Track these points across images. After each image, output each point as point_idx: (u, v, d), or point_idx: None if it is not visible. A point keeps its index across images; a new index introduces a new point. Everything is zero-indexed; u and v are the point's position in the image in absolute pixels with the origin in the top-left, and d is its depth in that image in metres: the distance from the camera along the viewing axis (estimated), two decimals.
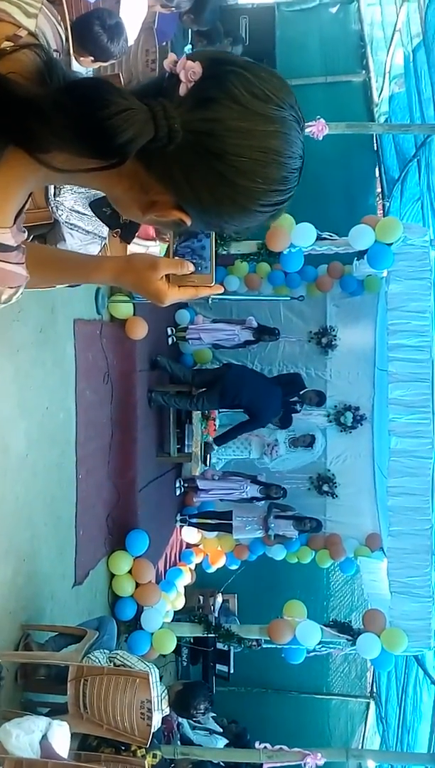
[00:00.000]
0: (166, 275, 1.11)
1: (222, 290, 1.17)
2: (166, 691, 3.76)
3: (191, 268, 1.09)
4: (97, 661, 3.85)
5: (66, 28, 2.65)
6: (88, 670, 3.78)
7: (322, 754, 4.54)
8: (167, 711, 3.77)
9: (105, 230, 2.72)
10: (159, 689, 3.67)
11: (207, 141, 0.84)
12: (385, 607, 5.92)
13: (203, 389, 6.86)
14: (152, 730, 3.64)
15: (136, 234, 2.37)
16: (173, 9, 3.66)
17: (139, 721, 3.65)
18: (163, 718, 4.49)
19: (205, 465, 7.40)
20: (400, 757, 5.85)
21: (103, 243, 2.91)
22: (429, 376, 5.80)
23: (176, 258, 1.11)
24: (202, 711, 3.95)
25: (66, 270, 1.23)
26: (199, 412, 7.04)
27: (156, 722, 3.63)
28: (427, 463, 5.77)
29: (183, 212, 0.92)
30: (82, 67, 2.93)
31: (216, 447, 7.40)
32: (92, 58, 2.89)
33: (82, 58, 2.89)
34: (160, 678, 7.21)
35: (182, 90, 0.85)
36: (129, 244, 2.82)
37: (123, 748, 3.75)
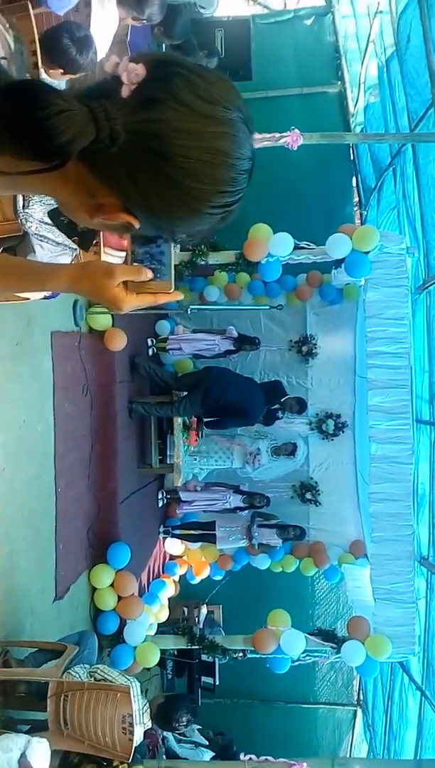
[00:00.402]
0: (124, 282, 1.10)
1: (181, 296, 1.17)
2: (147, 705, 3.72)
3: (150, 274, 1.08)
4: (77, 676, 3.80)
5: (35, 41, 2.65)
6: (68, 686, 3.74)
7: (308, 763, 4.51)
8: (149, 725, 3.73)
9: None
10: (140, 703, 3.63)
11: (152, 142, 0.84)
12: (369, 614, 5.92)
13: (185, 393, 6.85)
14: (134, 745, 3.60)
15: (105, 244, 2.36)
16: (145, 21, 3.68)
17: (121, 736, 3.61)
18: (147, 732, 4.44)
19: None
20: (385, 765, 5.83)
21: (75, 254, 2.90)
22: (408, 382, 5.83)
23: (134, 264, 1.10)
24: (185, 723, 3.91)
25: (23, 278, 1.22)
26: (180, 422, 7.01)
27: (138, 736, 3.59)
28: (408, 468, 5.79)
29: (131, 215, 0.92)
30: (52, 80, 2.93)
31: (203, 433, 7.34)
32: (61, 71, 2.89)
33: (51, 71, 2.89)
34: (146, 691, 7.18)
35: (124, 92, 0.85)
36: (86, 251, 2.81)
37: (105, 763, 3.71)
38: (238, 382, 6.94)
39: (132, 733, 3.55)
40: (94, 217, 0.94)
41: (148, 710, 3.69)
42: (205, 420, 7.23)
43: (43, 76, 2.83)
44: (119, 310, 1.10)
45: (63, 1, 2.70)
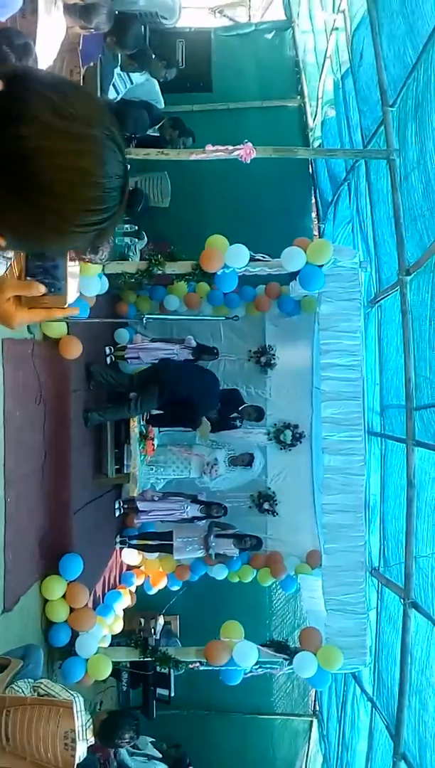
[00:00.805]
0: (17, 296, 1.08)
1: (77, 312, 1.15)
2: (90, 721, 3.67)
3: (42, 289, 1.06)
4: (20, 690, 3.74)
5: None
6: (10, 701, 3.67)
7: None
8: (92, 741, 3.68)
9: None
10: (84, 718, 3.58)
11: (9, 162, 0.81)
12: (322, 625, 5.94)
13: (140, 391, 6.83)
14: (76, 761, 3.55)
15: None
16: (93, 30, 3.67)
17: (63, 752, 3.56)
18: (98, 746, 4.38)
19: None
20: None
21: (9, 262, 2.86)
22: (360, 394, 5.90)
23: (27, 279, 1.08)
24: (128, 740, 3.86)
25: None
26: (137, 432, 6.99)
27: (80, 752, 3.54)
28: (360, 480, 5.85)
29: None
30: None
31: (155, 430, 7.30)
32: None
33: None
34: (100, 703, 7.09)
35: None
36: None
37: None
38: (192, 374, 7.01)
39: (74, 749, 3.50)
40: None
41: (91, 726, 3.64)
42: (163, 414, 7.23)
43: None
44: (9, 327, 1.07)
45: (4, 8, 2.68)
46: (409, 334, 4.75)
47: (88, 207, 0.87)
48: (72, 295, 1.13)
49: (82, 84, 4.18)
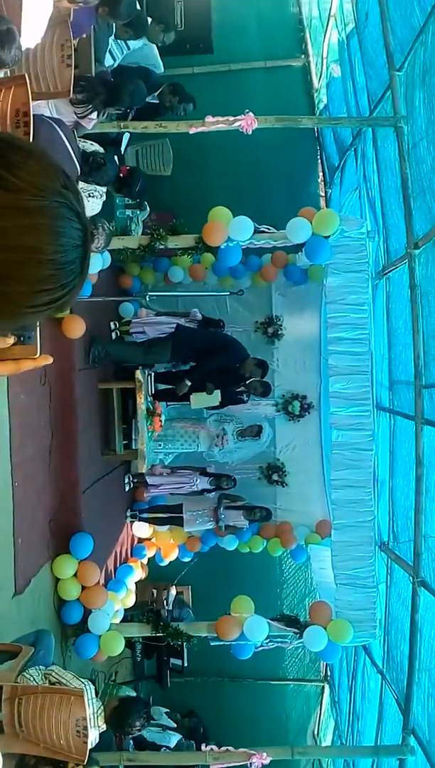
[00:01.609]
0: None
1: (50, 361, 1.07)
2: (101, 708, 3.71)
3: (9, 341, 0.99)
4: (31, 678, 3.77)
5: None
6: (22, 689, 3.71)
7: (268, 753, 4.57)
8: (104, 727, 3.73)
9: None
10: (94, 706, 3.62)
11: None
12: (332, 597, 5.97)
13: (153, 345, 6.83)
14: (89, 747, 3.60)
15: None
16: (81, 4, 3.50)
17: (76, 739, 3.61)
18: None
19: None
20: (343, 752, 5.94)
21: None
22: (368, 368, 5.80)
23: None
24: (138, 728, 3.92)
25: None
26: (144, 408, 6.92)
27: (92, 739, 3.58)
28: (368, 455, 5.80)
29: None
30: None
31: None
32: None
33: None
34: (115, 674, 7.22)
35: None
36: None
37: (61, 765, 3.71)
38: (207, 330, 6.94)
39: (86, 736, 3.54)
40: None
41: (102, 713, 3.68)
42: (169, 389, 7.17)
43: None
44: None
45: None
46: (418, 309, 4.63)
47: (41, 287, 0.78)
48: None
49: (75, 55, 4.01)
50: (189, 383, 6.89)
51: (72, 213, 0.79)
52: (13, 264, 0.75)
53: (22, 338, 0.98)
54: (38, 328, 0.99)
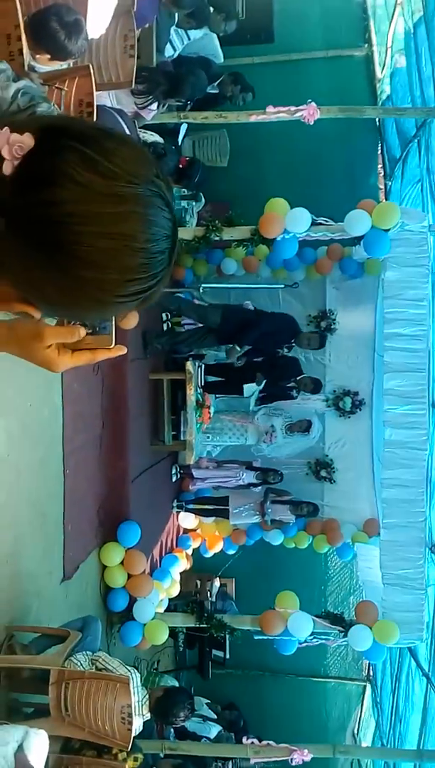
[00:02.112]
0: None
1: (124, 351, 1.05)
2: (146, 697, 3.74)
3: (83, 333, 0.97)
4: (78, 664, 3.83)
5: (19, 25, 2.50)
6: (69, 674, 3.76)
7: (309, 750, 4.54)
8: (148, 716, 3.76)
9: None
10: (140, 694, 3.65)
11: (41, 228, 0.72)
12: (379, 596, 5.88)
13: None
14: (133, 734, 3.63)
15: None
16: None
17: (120, 726, 3.64)
18: None
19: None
20: (386, 753, 5.86)
21: None
22: (425, 366, 5.68)
23: (67, 325, 0.99)
24: (182, 719, 3.94)
25: None
26: (193, 399, 6.92)
27: (136, 726, 3.61)
28: (422, 454, 5.68)
29: (29, 305, 0.82)
30: (40, 65, 2.78)
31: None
32: (48, 56, 2.74)
33: (38, 56, 2.74)
34: (157, 662, 7.29)
35: (6, 168, 0.73)
36: None
37: (105, 750, 3.75)
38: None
39: (130, 723, 3.57)
40: None
41: (147, 702, 3.71)
42: (219, 381, 7.17)
43: (29, 61, 2.68)
44: (53, 372, 0.99)
45: None
46: None
47: (132, 276, 0.77)
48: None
49: (137, 45, 4.00)
50: (239, 349, 6.81)
51: (163, 202, 0.77)
52: (108, 251, 0.74)
53: (97, 328, 0.97)
54: (114, 320, 0.97)
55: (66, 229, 0.72)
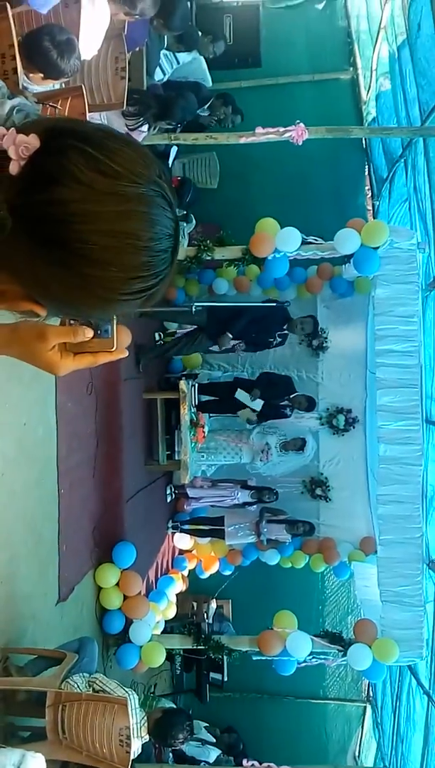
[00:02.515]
0: (61, 343, 1.00)
1: (125, 354, 1.06)
2: (145, 719, 3.69)
3: (88, 334, 0.98)
4: (75, 685, 3.77)
5: (13, 45, 2.55)
6: (66, 696, 3.71)
7: None
8: (146, 738, 3.70)
9: None
10: (138, 716, 3.59)
11: (46, 227, 0.74)
12: (377, 614, 5.84)
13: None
14: (132, 757, 3.57)
15: None
16: (137, 16, 3.55)
17: (118, 748, 3.59)
18: None
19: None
20: None
21: None
22: (418, 381, 5.70)
23: (70, 325, 1.00)
24: (181, 740, 3.88)
25: None
26: (187, 419, 6.92)
27: (135, 749, 3.55)
28: (417, 470, 5.68)
29: (35, 303, 0.83)
30: (34, 85, 2.82)
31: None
32: (42, 75, 2.79)
33: (32, 75, 2.78)
34: (154, 686, 7.19)
35: (13, 168, 0.75)
36: None
37: None
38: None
39: (129, 745, 3.52)
40: None
41: (146, 724, 3.65)
42: (213, 400, 7.17)
43: (24, 80, 2.72)
44: (55, 374, 1.00)
45: (46, 2, 2.59)
46: None
47: (136, 274, 0.79)
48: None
49: (127, 68, 4.07)
50: (231, 336, 6.76)
51: (165, 202, 0.79)
52: (111, 249, 0.75)
53: (98, 332, 0.98)
54: (114, 323, 0.98)
55: (70, 227, 0.74)
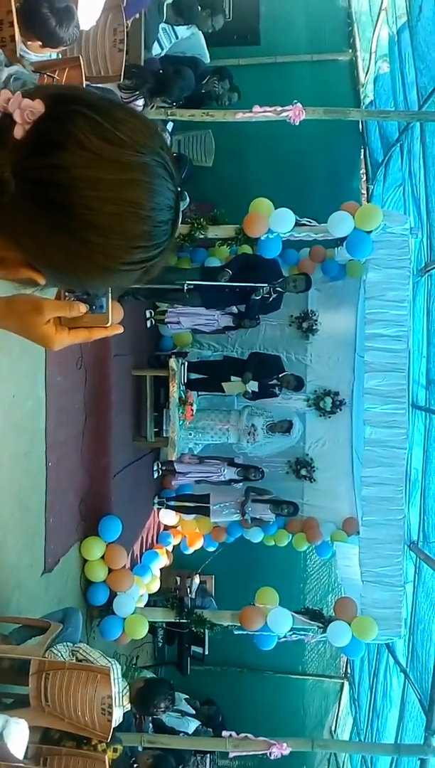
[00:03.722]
0: (56, 317, 1.01)
1: (121, 330, 1.07)
2: (127, 688, 3.76)
3: (83, 309, 0.99)
4: (59, 654, 3.83)
5: (11, 11, 2.52)
6: (49, 665, 3.77)
7: (288, 743, 4.58)
8: (128, 707, 3.78)
9: None
10: (120, 685, 3.67)
11: (50, 192, 0.74)
12: (357, 593, 5.95)
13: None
14: (113, 726, 3.65)
15: None
16: None
17: (100, 717, 3.66)
18: None
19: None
20: (364, 747, 5.92)
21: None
22: (405, 366, 5.76)
23: (65, 299, 1.01)
24: (163, 709, 3.95)
25: None
26: (176, 397, 6.94)
27: (117, 718, 3.63)
28: (401, 453, 5.76)
29: (34, 271, 0.83)
30: (32, 53, 2.80)
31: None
32: (40, 43, 2.77)
33: (30, 43, 2.76)
34: (136, 658, 7.29)
35: (18, 132, 0.75)
36: None
37: (84, 741, 3.76)
38: None
39: (111, 714, 3.59)
40: None
41: (128, 693, 3.72)
42: (201, 378, 7.12)
43: (22, 48, 2.70)
44: (50, 349, 1.00)
45: None
46: None
47: (137, 243, 0.80)
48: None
49: (126, 41, 4.04)
50: (229, 272, 6.57)
51: (167, 174, 0.80)
52: (114, 216, 0.76)
53: (93, 307, 0.99)
54: (109, 297, 1.00)
55: (73, 192, 0.75)
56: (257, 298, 6.62)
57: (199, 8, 5.99)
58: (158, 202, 0.79)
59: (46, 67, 2.89)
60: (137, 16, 4.72)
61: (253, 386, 7.11)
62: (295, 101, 4.98)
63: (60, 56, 3.14)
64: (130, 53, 4.45)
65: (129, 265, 0.82)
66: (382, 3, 6.64)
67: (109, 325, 1.02)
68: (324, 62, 8.14)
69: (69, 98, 0.78)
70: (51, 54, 3.04)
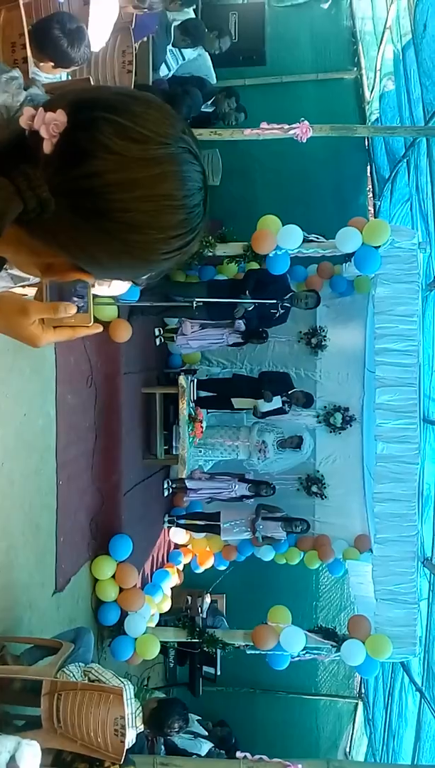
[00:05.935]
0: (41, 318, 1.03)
1: (101, 329, 1.09)
2: (140, 709, 3.71)
3: (72, 311, 1.01)
4: (71, 675, 3.79)
5: (24, 33, 2.56)
6: (62, 685, 3.73)
7: (303, 765, 4.50)
8: (141, 728, 3.72)
9: None
10: (133, 706, 3.62)
11: (86, 200, 0.77)
12: (371, 611, 5.88)
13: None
14: (126, 747, 3.60)
15: None
16: (146, 10, 3.57)
17: (113, 738, 3.61)
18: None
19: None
20: None
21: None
22: (416, 380, 5.74)
23: (52, 302, 1.03)
24: (177, 729, 3.90)
25: None
26: (186, 414, 6.92)
27: (130, 739, 3.58)
28: (414, 468, 5.72)
29: (82, 272, 0.87)
30: (43, 73, 2.84)
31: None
32: (52, 64, 2.81)
33: (42, 64, 2.80)
34: (148, 679, 7.22)
35: (47, 147, 0.77)
36: None
37: (97, 763, 3.71)
38: None
39: (124, 735, 3.54)
40: (46, 276, 0.90)
41: (141, 714, 3.67)
42: (211, 396, 7.12)
43: (34, 69, 2.74)
44: (34, 347, 1.02)
45: None
46: None
47: (175, 233, 0.82)
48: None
49: (134, 62, 4.09)
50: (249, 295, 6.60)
51: (192, 157, 0.82)
52: (150, 212, 0.79)
53: (78, 308, 1.01)
54: (90, 297, 1.02)
55: (109, 197, 0.77)
56: (250, 309, 6.67)
57: (206, 30, 6.07)
58: (190, 188, 0.81)
59: (57, 88, 2.93)
60: (145, 39, 4.79)
61: (266, 406, 7.10)
62: (302, 119, 5.01)
63: (69, 77, 3.18)
64: (138, 74, 4.51)
65: (169, 254, 0.84)
66: (386, 22, 6.71)
67: (90, 324, 1.04)
68: (329, 81, 8.21)
69: (88, 104, 0.79)
70: (61, 75, 3.08)
